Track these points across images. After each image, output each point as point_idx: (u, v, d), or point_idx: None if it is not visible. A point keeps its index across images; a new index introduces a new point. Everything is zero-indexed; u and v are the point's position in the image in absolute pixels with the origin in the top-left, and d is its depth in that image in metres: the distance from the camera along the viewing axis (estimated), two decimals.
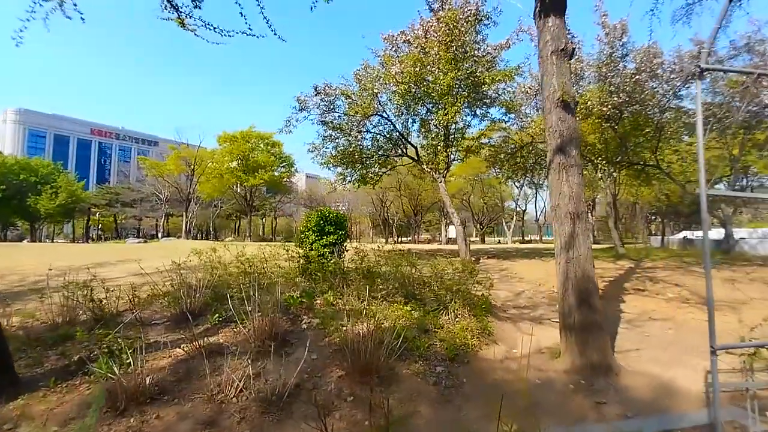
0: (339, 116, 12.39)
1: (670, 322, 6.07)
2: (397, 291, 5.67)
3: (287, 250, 7.40)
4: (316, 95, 11.57)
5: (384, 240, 51.14)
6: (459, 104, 10.86)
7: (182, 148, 44.10)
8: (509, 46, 11.25)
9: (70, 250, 17.08)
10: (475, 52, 10.99)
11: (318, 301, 5.67)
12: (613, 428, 3.04)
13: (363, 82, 11.48)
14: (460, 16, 10.08)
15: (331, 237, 7.54)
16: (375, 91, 11.18)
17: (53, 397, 3.29)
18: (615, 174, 17.76)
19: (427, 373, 3.90)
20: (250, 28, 4.91)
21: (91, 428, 1.97)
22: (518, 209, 49.17)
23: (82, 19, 4.43)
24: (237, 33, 4.93)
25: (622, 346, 4.91)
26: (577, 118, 5.43)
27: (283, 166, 45.91)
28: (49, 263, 6.77)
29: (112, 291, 5.11)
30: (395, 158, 14.34)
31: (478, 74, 10.79)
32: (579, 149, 4.38)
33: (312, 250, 7.29)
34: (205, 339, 4.34)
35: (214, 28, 4.77)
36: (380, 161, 13.65)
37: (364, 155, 13.03)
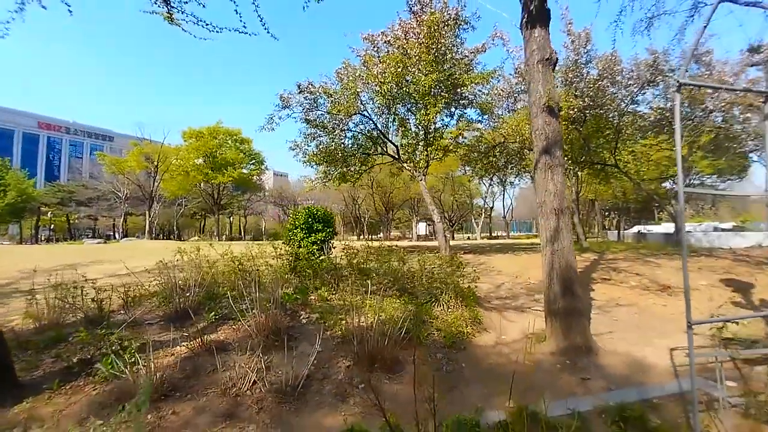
0: (322, 114, 12.38)
1: (634, 307, 6.70)
2: (390, 285, 5.87)
3: (275, 248, 7.42)
4: (299, 93, 11.52)
5: (356, 237, 51.14)
6: (439, 105, 11.20)
7: (144, 144, 41.85)
8: (485, 50, 11.73)
9: (24, 252, 15.93)
10: (454, 54, 11.35)
11: (312, 297, 5.78)
12: (599, 399, 3.41)
13: (345, 81, 11.55)
14: (441, 21, 10.40)
15: (320, 234, 7.66)
16: (357, 90, 11.28)
17: (59, 399, 3.23)
18: (579, 173, 18.84)
19: (429, 360, 4.15)
20: (244, 26, 4.85)
21: (140, 416, 2.03)
22: (486, 206, 50.72)
23: (70, 11, 4.29)
24: (228, 30, 4.85)
25: (596, 329, 5.37)
26: None
27: (253, 164, 44.71)
28: (13, 266, 6.40)
29: (106, 291, 4.96)
30: (375, 156, 14.51)
31: (457, 76, 11.17)
32: (562, 150, 4.77)
33: (300, 247, 7.36)
34: (206, 336, 4.36)
35: (205, 24, 4.70)
36: (361, 159, 13.80)
37: (346, 153, 13.12)
